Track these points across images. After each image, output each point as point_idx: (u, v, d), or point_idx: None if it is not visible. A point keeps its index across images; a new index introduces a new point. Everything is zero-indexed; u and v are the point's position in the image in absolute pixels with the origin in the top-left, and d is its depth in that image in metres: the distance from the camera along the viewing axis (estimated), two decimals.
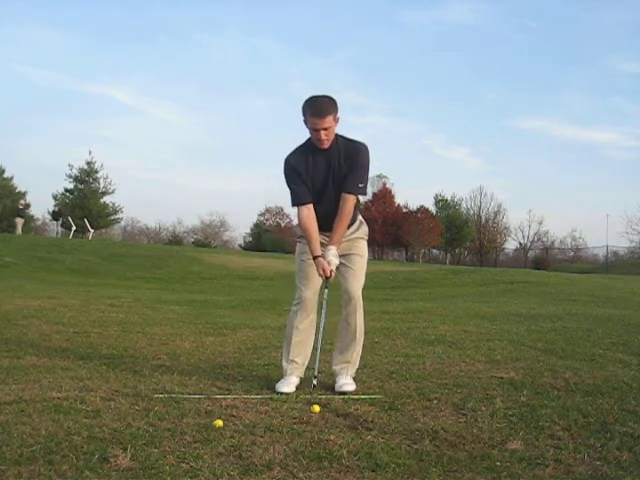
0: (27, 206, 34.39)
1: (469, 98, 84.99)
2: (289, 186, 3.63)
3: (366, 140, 3.70)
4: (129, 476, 2.22)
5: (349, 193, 3.59)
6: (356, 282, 3.72)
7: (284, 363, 3.74)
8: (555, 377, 4.06)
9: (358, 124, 76.39)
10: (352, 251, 3.75)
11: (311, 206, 3.60)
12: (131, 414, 2.96)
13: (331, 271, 3.54)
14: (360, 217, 3.86)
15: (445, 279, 18.48)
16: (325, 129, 3.47)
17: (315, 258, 3.55)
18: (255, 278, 19.98)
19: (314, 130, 3.49)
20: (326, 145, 3.53)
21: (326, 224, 3.62)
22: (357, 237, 3.80)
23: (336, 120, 3.52)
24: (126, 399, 3.23)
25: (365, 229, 3.87)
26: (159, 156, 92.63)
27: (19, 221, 29.71)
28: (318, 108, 3.46)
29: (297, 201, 3.62)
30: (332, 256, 3.55)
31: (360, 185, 3.62)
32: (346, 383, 3.64)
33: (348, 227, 3.69)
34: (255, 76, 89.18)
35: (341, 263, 3.69)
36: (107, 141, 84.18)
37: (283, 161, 3.64)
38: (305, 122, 3.51)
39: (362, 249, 3.81)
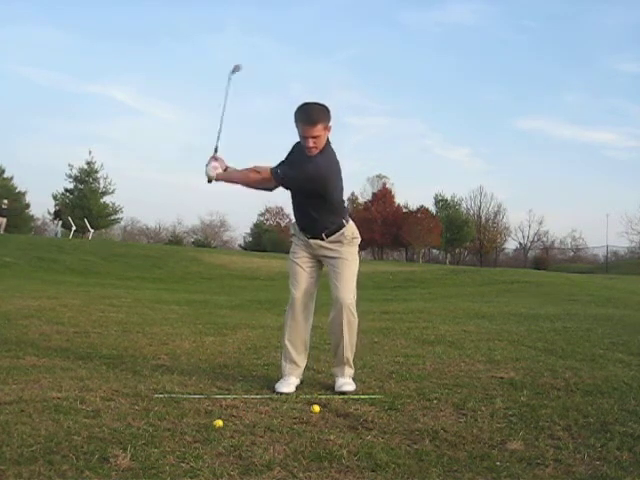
0: (24, 208, 34.34)
1: (469, 98, 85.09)
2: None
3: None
4: (129, 476, 2.22)
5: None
6: (346, 288, 3.66)
7: (283, 363, 3.74)
8: (555, 377, 4.06)
9: (358, 124, 76.52)
10: (342, 256, 3.71)
11: (269, 171, 3.64)
12: (131, 414, 2.95)
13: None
14: (351, 223, 3.78)
15: (445, 279, 18.48)
16: (314, 137, 3.48)
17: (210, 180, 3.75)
18: (255, 278, 19.98)
19: (303, 137, 3.51)
20: (314, 153, 3.54)
21: (309, 227, 3.70)
22: (345, 242, 3.73)
23: (328, 129, 3.54)
24: (126, 399, 3.23)
25: (354, 234, 3.78)
26: (159, 156, 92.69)
27: (1, 221, 29.59)
28: (308, 116, 3.47)
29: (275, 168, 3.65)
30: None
31: None
32: (345, 383, 3.63)
33: (334, 231, 3.69)
34: (255, 76, 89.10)
35: (330, 269, 3.71)
36: (107, 141, 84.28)
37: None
38: (296, 127, 3.53)
39: (352, 254, 3.76)
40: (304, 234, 3.75)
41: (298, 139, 3.61)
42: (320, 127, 3.47)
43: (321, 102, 3.57)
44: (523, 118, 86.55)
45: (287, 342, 3.74)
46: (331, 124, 3.55)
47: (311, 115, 3.47)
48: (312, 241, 3.71)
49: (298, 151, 3.64)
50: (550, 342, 5.62)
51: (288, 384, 3.61)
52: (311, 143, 3.49)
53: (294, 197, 3.75)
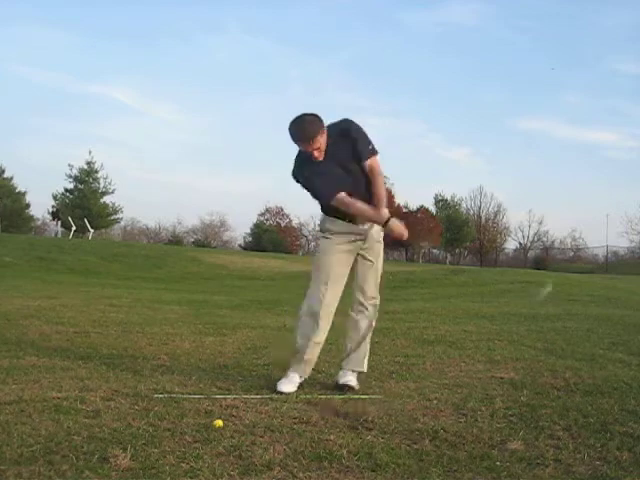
0: (24, 207, 34.21)
1: (469, 98, 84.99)
2: (310, 186, 3.59)
3: None
4: (129, 476, 2.22)
5: (368, 158, 3.60)
6: (377, 288, 3.73)
7: (292, 360, 3.69)
8: (555, 377, 4.06)
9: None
10: (381, 253, 3.78)
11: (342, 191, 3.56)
12: (131, 414, 2.95)
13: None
14: None
15: (445, 279, 18.47)
16: (316, 149, 3.50)
17: (388, 221, 3.57)
18: (255, 278, 19.99)
19: (305, 151, 3.53)
20: (320, 158, 3.54)
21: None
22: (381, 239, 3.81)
23: (324, 133, 3.52)
24: (126, 399, 3.23)
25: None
26: (159, 156, 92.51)
27: None
28: (304, 134, 3.46)
29: (327, 193, 3.56)
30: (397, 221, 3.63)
31: (370, 146, 3.62)
32: (352, 380, 3.66)
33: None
34: (256, 76, 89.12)
35: (368, 265, 3.72)
36: (107, 141, 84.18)
37: (291, 174, 3.63)
38: (294, 144, 3.54)
39: (381, 249, 3.84)
40: (341, 221, 3.66)
41: (295, 166, 3.63)
42: (318, 138, 3.47)
43: (308, 112, 3.54)
44: (523, 118, 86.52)
45: (307, 357, 3.69)
46: (325, 128, 3.53)
47: (307, 132, 3.46)
48: (372, 231, 3.69)
49: (309, 157, 3.59)
50: (550, 342, 5.62)
51: (292, 383, 3.59)
52: (316, 154, 3.51)
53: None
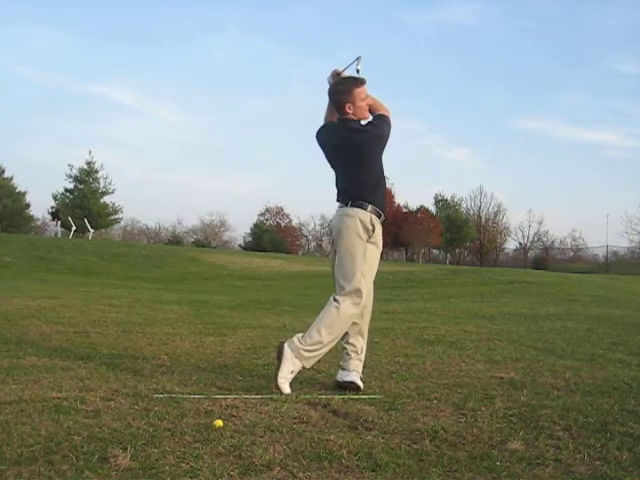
0: (24, 208, 34.20)
1: (469, 98, 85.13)
2: (387, 126, 3.67)
3: None
4: (129, 476, 2.22)
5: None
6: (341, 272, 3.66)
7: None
8: (555, 377, 4.06)
9: None
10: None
11: None
12: (131, 414, 2.95)
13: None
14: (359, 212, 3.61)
15: (445, 279, 18.45)
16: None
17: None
18: (255, 278, 19.99)
19: (363, 100, 3.61)
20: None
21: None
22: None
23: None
24: (126, 399, 3.22)
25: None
26: (159, 156, 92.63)
27: None
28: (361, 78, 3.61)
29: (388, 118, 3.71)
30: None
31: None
32: (357, 380, 3.64)
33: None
34: (256, 76, 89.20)
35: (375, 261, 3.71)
36: (107, 141, 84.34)
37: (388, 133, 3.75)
38: (349, 101, 3.58)
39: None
40: (382, 217, 3.67)
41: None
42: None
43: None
44: (523, 118, 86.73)
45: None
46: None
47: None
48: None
49: (341, 126, 3.62)
50: (550, 342, 5.62)
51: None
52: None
53: (377, 170, 3.68)
